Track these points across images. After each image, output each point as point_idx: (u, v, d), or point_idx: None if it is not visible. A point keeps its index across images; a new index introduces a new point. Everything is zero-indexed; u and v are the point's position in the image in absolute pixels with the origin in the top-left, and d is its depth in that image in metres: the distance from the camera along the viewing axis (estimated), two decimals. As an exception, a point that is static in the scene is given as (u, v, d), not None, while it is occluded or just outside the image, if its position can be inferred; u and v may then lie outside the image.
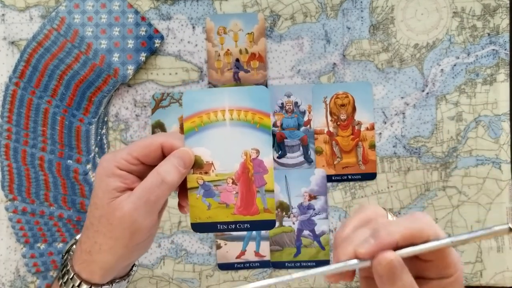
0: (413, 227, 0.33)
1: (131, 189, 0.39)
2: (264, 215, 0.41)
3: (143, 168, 0.40)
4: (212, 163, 0.40)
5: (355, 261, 0.33)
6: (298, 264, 0.59)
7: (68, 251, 0.44)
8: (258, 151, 0.40)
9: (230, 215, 0.41)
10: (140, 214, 0.38)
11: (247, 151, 0.40)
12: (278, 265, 0.59)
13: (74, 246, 0.43)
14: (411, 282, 0.33)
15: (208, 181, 0.40)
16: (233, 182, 0.41)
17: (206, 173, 0.40)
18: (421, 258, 0.34)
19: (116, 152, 0.40)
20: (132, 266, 0.44)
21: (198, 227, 0.41)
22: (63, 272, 0.41)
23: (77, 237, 0.44)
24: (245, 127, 0.40)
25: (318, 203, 0.59)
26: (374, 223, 0.35)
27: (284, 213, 0.59)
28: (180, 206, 0.42)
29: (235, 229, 0.41)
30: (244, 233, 0.59)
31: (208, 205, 0.41)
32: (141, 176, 0.40)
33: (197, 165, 0.40)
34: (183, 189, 0.41)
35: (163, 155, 0.40)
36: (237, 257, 0.59)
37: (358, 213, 0.37)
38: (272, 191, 0.41)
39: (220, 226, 0.41)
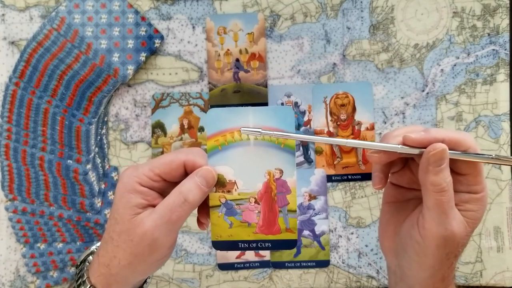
0: (459, 135, 0.38)
1: (152, 205, 0.39)
2: (286, 234, 0.41)
3: (165, 185, 0.40)
4: (235, 182, 0.40)
5: (404, 147, 0.38)
6: (298, 264, 0.59)
7: (83, 261, 0.44)
8: (281, 171, 0.40)
9: (251, 234, 0.41)
10: (161, 232, 0.38)
11: (270, 171, 0.40)
12: (278, 265, 0.59)
13: (90, 257, 0.44)
14: (450, 180, 0.38)
15: (230, 200, 0.40)
16: (256, 202, 0.40)
17: (228, 191, 0.40)
18: (457, 172, 0.39)
19: (138, 167, 0.40)
20: (146, 279, 0.45)
21: (219, 245, 0.41)
22: (78, 282, 0.41)
23: (93, 247, 0.44)
24: (269, 147, 0.40)
25: (318, 203, 0.59)
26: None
27: (284, 213, 0.59)
28: (200, 223, 0.42)
29: (257, 248, 0.41)
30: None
31: (230, 224, 0.41)
32: (162, 193, 0.40)
33: (220, 183, 0.40)
34: (203, 206, 0.41)
35: (185, 172, 0.40)
36: (237, 257, 0.59)
37: (410, 126, 0.41)
38: (295, 211, 0.41)
39: (241, 245, 0.41)
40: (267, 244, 0.41)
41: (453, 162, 0.38)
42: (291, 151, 0.40)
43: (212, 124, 0.40)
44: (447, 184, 0.38)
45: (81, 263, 0.44)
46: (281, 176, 0.40)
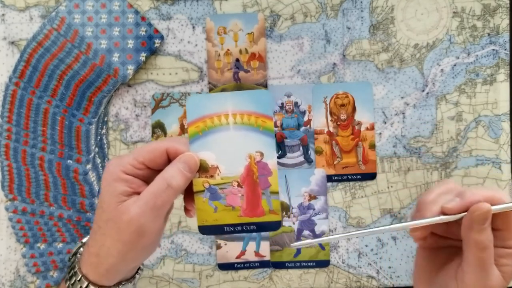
0: (494, 192, 0.40)
1: (138, 193, 0.40)
2: (270, 216, 0.42)
3: (149, 173, 0.41)
4: (217, 167, 0.41)
5: (444, 217, 0.40)
6: (298, 264, 0.59)
7: (75, 253, 0.44)
8: (262, 154, 0.41)
9: (236, 217, 0.42)
10: (147, 218, 0.39)
11: (251, 154, 0.41)
12: (278, 265, 0.59)
13: (81, 249, 0.44)
14: (492, 239, 0.39)
15: (213, 185, 0.41)
16: (239, 185, 0.41)
17: (211, 176, 0.41)
18: (492, 227, 0.40)
19: (122, 157, 0.41)
20: (138, 269, 0.45)
21: (205, 230, 0.42)
22: (70, 274, 0.42)
23: (84, 240, 0.45)
24: (248, 131, 0.41)
25: (318, 203, 0.59)
26: (456, 190, 0.41)
27: (284, 213, 0.59)
28: (186, 210, 0.43)
29: (242, 231, 0.42)
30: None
31: (215, 208, 0.41)
32: (147, 180, 0.41)
33: (203, 169, 0.41)
34: (189, 193, 0.42)
35: (169, 160, 0.40)
36: (237, 257, 0.59)
37: (440, 184, 0.43)
38: (277, 192, 0.41)
39: (226, 229, 0.42)
40: (252, 227, 0.42)
41: None
42: (270, 133, 0.41)
43: (192, 110, 0.41)
44: (490, 241, 0.39)
45: (73, 255, 0.44)
46: (262, 159, 0.41)
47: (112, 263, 0.40)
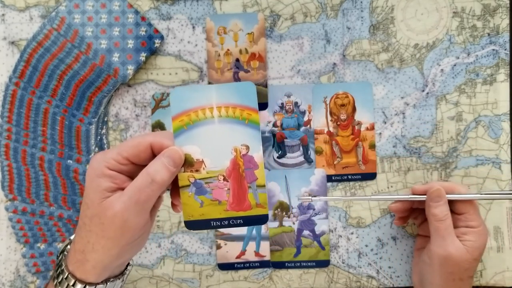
0: (455, 185, 0.52)
1: (122, 188, 0.39)
2: (256, 210, 0.41)
3: (134, 168, 0.40)
4: (203, 161, 0.40)
5: (413, 196, 0.53)
6: (298, 264, 0.59)
7: (62, 251, 0.44)
8: (248, 147, 0.40)
9: (223, 212, 0.41)
10: (131, 213, 0.39)
11: (237, 147, 0.40)
12: (278, 265, 0.59)
13: (68, 247, 0.44)
14: (447, 214, 0.50)
15: (199, 179, 0.41)
16: (225, 179, 0.41)
17: (197, 171, 0.41)
18: (457, 212, 0.51)
19: (106, 152, 0.40)
20: (127, 265, 0.45)
21: (192, 225, 0.42)
22: (57, 272, 0.42)
23: (72, 237, 0.44)
24: (234, 124, 0.40)
25: (318, 203, 0.59)
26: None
27: (284, 213, 0.59)
28: (173, 205, 0.43)
29: (228, 225, 0.42)
30: (244, 233, 0.59)
31: (201, 203, 0.41)
32: (131, 176, 0.40)
33: (188, 163, 0.40)
34: (176, 189, 0.41)
35: (153, 155, 0.40)
36: (237, 257, 0.59)
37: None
38: (264, 186, 0.41)
39: (213, 223, 0.41)
40: (239, 221, 0.41)
41: (453, 205, 0.51)
42: (256, 126, 0.40)
43: (176, 104, 0.40)
44: (444, 216, 0.50)
45: (60, 253, 0.44)
46: (247, 152, 0.40)
47: (97, 259, 0.40)
